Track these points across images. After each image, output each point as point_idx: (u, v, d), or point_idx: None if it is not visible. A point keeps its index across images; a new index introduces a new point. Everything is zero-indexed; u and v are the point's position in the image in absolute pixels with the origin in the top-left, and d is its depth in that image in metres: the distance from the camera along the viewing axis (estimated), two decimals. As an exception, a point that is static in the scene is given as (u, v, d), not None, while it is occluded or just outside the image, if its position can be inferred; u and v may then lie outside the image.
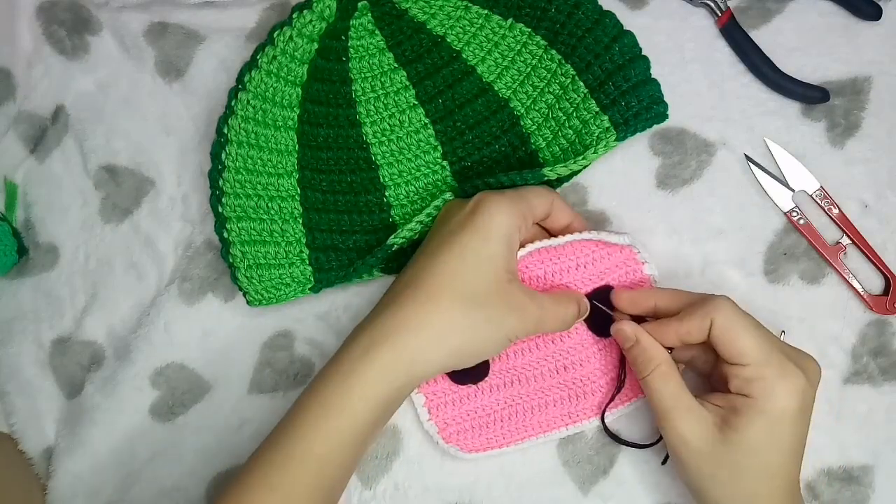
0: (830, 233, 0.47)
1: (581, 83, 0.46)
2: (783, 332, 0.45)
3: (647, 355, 0.41)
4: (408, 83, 0.48)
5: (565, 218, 0.44)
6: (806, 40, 0.48)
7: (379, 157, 0.48)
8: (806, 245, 0.47)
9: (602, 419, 0.45)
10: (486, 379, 0.45)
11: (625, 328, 0.42)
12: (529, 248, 0.44)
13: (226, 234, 0.45)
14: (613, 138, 0.44)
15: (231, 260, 0.45)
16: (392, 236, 0.44)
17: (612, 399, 0.45)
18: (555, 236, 0.44)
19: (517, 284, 0.40)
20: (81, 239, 0.51)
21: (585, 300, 0.44)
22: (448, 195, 0.44)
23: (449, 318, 0.38)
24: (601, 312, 0.44)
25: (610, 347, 0.45)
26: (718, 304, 0.39)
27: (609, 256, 0.45)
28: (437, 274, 0.39)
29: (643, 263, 0.45)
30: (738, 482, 0.38)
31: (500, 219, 0.40)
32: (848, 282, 0.46)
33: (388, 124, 0.48)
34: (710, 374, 0.43)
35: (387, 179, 0.48)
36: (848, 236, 0.46)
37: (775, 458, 0.38)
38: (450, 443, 0.45)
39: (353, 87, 0.48)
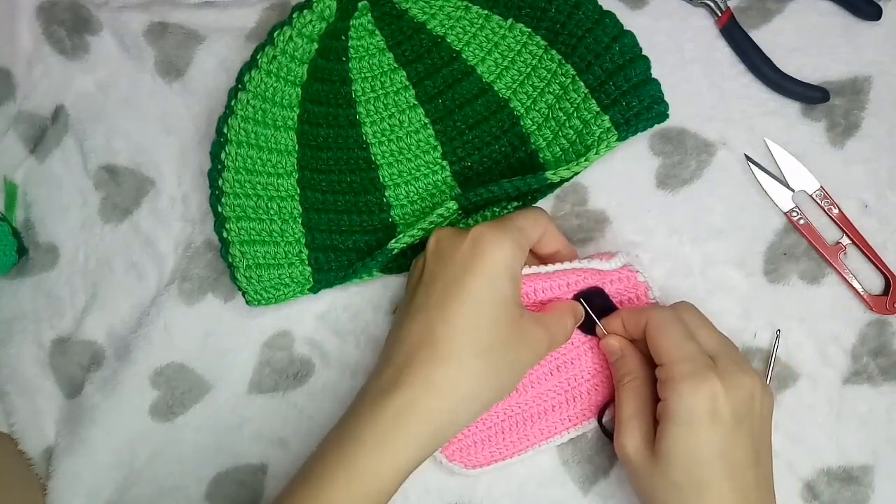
0: (830, 233, 0.47)
1: (581, 83, 0.46)
2: (778, 331, 0.45)
3: (627, 367, 0.41)
4: (408, 83, 0.48)
5: (554, 245, 0.43)
6: (806, 40, 0.48)
7: (379, 157, 0.48)
8: (806, 245, 0.47)
9: (599, 420, 0.45)
10: None
11: (612, 342, 0.43)
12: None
13: (225, 234, 0.45)
14: (615, 138, 0.44)
15: (230, 260, 0.45)
16: (393, 240, 0.44)
17: (608, 402, 0.45)
18: (543, 261, 0.44)
19: (526, 316, 0.40)
20: (81, 239, 0.51)
21: (579, 307, 0.43)
22: (451, 204, 0.43)
23: (475, 376, 0.38)
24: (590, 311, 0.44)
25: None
26: (659, 306, 0.41)
27: (600, 276, 0.44)
28: (453, 330, 0.37)
29: (637, 272, 0.44)
30: (672, 500, 0.37)
31: (502, 256, 0.38)
32: (848, 282, 0.46)
33: (388, 124, 0.48)
34: None
35: (386, 179, 0.48)
36: (848, 236, 0.46)
37: (696, 469, 0.37)
38: (453, 461, 0.45)
39: (353, 87, 0.48)
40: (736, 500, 0.37)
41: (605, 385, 0.45)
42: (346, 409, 0.40)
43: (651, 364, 0.41)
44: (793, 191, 0.47)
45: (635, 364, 0.41)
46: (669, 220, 0.47)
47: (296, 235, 0.47)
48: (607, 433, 0.45)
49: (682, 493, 0.37)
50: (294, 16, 0.45)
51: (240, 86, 0.45)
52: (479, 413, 0.39)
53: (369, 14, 0.47)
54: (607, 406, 0.45)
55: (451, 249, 0.39)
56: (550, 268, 0.43)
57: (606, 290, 0.44)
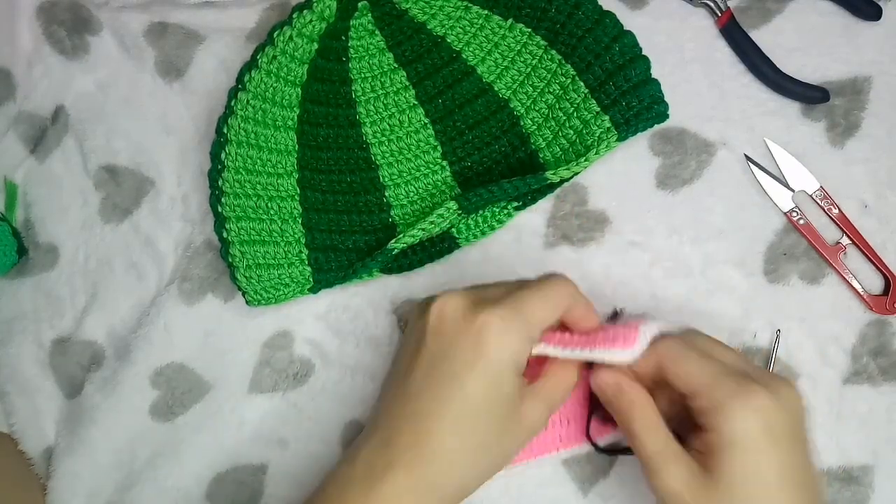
0: (830, 233, 0.47)
1: (581, 83, 0.46)
2: (778, 331, 0.45)
3: (631, 401, 0.38)
4: (408, 83, 0.48)
5: (579, 318, 0.39)
6: (806, 40, 0.48)
7: (379, 157, 0.48)
8: (806, 245, 0.47)
9: (591, 442, 0.43)
10: None
11: (605, 378, 0.39)
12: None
13: (225, 234, 0.45)
14: (615, 138, 0.44)
15: (230, 260, 0.45)
16: (393, 240, 0.44)
17: (590, 416, 0.43)
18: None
19: (527, 399, 0.37)
20: (81, 239, 0.51)
21: (578, 365, 0.40)
22: (451, 204, 0.43)
23: (466, 469, 0.36)
24: None
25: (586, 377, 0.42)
26: (664, 343, 0.37)
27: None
28: (446, 429, 0.35)
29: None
30: None
31: (508, 354, 0.36)
32: (848, 282, 0.46)
33: (388, 124, 0.48)
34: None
35: (386, 179, 0.48)
36: (848, 236, 0.46)
37: (762, 491, 0.34)
38: None
39: (353, 88, 0.48)
40: None
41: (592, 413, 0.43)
42: (336, 464, 0.39)
43: (658, 394, 0.38)
44: (793, 191, 0.47)
45: (640, 395, 0.38)
46: (669, 220, 0.47)
47: (296, 235, 0.47)
48: (607, 451, 0.44)
49: None
50: (294, 16, 0.45)
51: (240, 86, 0.45)
52: (473, 491, 0.37)
53: (369, 14, 0.47)
54: (590, 418, 0.43)
55: (453, 334, 0.36)
56: (560, 352, 0.38)
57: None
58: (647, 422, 0.37)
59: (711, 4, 0.48)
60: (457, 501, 0.37)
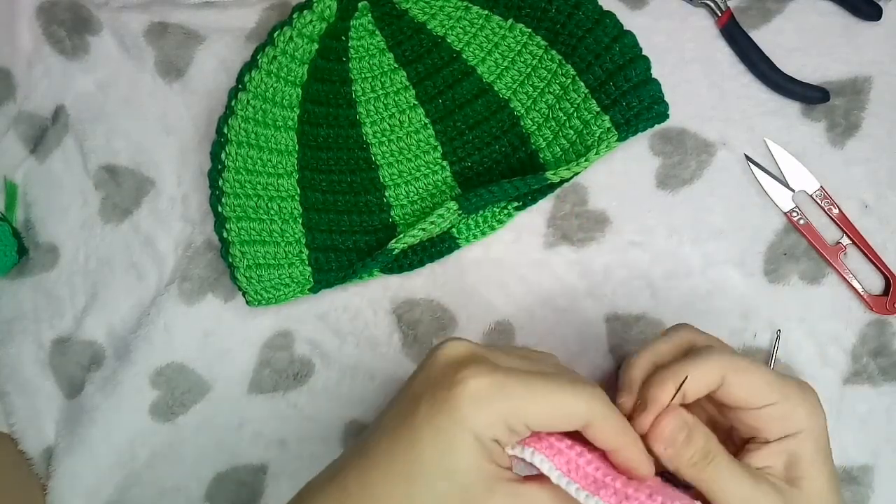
0: (830, 233, 0.47)
1: (581, 83, 0.46)
2: (779, 331, 0.45)
3: (702, 441, 0.33)
4: (408, 83, 0.48)
5: (605, 442, 0.31)
6: (806, 40, 0.48)
7: (379, 157, 0.48)
8: (806, 245, 0.47)
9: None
10: None
11: (677, 419, 0.32)
12: (517, 451, 0.31)
13: (225, 234, 0.45)
14: (615, 138, 0.44)
15: (230, 260, 0.45)
16: (393, 240, 0.44)
17: None
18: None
19: (500, 496, 0.30)
20: (81, 239, 0.51)
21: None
22: (451, 204, 0.43)
23: None
24: None
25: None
26: (724, 357, 0.33)
27: None
28: (397, 493, 0.30)
29: None
30: None
31: (478, 423, 0.29)
32: (848, 282, 0.46)
33: (388, 124, 0.48)
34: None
35: (387, 179, 0.48)
36: (848, 236, 0.46)
37: (834, 482, 0.34)
38: None
39: (354, 88, 0.48)
40: None
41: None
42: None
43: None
44: (793, 191, 0.47)
45: (708, 434, 0.33)
46: (669, 220, 0.47)
47: (296, 235, 0.47)
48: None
49: None
50: (294, 16, 0.45)
51: (240, 86, 0.45)
52: None
53: (369, 14, 0.47)
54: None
55: (433, 381, 0.31)
56: (549, 470, 0.31)
57: None
58: (723, 463, 0.33)
59: (711, 4, 0.48)
60: None
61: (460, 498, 0.30)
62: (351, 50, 0.47)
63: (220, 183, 0.45)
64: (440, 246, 0.48)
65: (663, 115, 0.45)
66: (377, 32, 0.48)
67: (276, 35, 0.45)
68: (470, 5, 0.47)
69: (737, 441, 0.36)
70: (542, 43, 0.47)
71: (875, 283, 0.46)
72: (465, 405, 0.29)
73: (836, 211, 0.46)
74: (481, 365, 0.31)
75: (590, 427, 0.31)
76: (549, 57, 0.47)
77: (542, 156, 0.47)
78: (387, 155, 0.48)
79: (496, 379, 0.30)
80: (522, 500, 0.31)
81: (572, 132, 0.46)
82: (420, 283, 0.48)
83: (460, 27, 0.47)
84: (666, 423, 0.33)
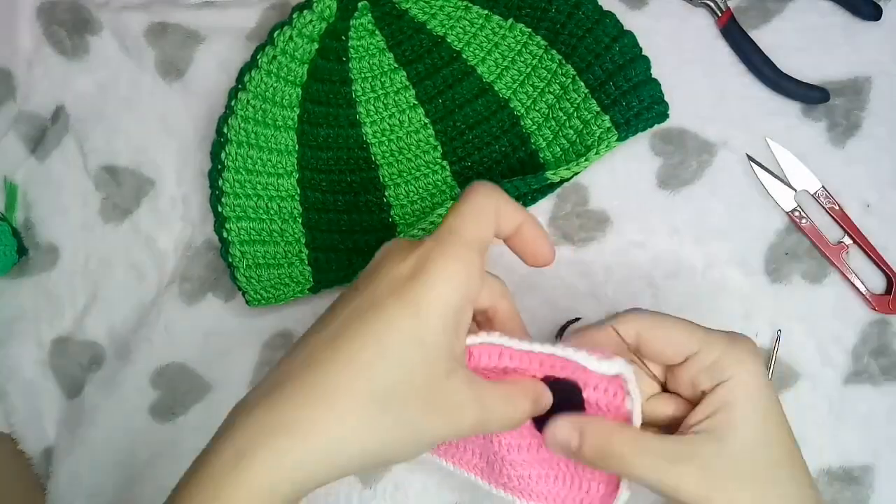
0: (832, 232, 0.47)
1: (581, 83, 0.46)
2: (779, 331, 0.45)
3: (601, 447, 0.32)
4: (408, 83, 0.48)
5: (514, 219, 0.32)
6: (806, 40, 0.48)
7: (379, 157, 0.48)
8: (808, 245, 0.47)
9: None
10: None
11: (563, 427, 0.32)
12: (481, 338, 0.32)
13: (225, 234, 0.45)
14: (615, 138, 0.44)
15: (230, 260, 0.45)
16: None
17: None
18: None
19: (458, 378, 0.30)
20: (81, 239, 0.51)
21: (546, 394, 0.33)
22: (451, 204, 0.43)
23: (349, 424, 0.28)
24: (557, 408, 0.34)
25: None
26: (636, 315, 0.34)
27: (584, 374, 0.33)
28: (342, 364, 0.29)
29: (627, 393, 0.32)
30: (777, 486, 0.32)
31: (446, 290, 0.29)
32: (850, 281, 0.46)
33: (388, 124, 0.48)
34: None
35: (386, 179, 0.48)
36: (850, 236, 0.46)
37: (785, 433, 0.33)
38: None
39: (353, 88, 0.48)
40: (806, 475, 0.33)
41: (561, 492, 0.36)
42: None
43: None
44: (795, 190, 0.47)
45: (612, 431, 0.32)
46: (671, 220, 0.47)
47: (296, 235, 0.47)
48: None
49: (775, 470, 0.32)
50: (294, 16, 0.45)
51: (240, 86, 0.45)
52: (350, 469, 0.29)
53: (369, 14, 0.47)
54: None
55: (389, 266, 0.30)
56: (526, 345, 0.32)
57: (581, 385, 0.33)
58: (631, 450, 0.32)
59: (711, 4, 0.48)
60: (312, 484, 0.29)
61: (424, 371, 0.29)
62: (351, 50, 0.47)
63: (220, 183, 0.45)
64: (440, 246, 0.48)
65: (663, 115, 0.45)
66: (377, 32, 0.48)
67: (276, 35, 0.45)
68: (470, 5, 0.47)
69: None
70: (542, 43, 0.47)
71: (877, 283, 0.46)
72: (437, 279, 0.29)
73: (838, 210, 0.46)
74: (429, 241, 0.30)
75: (501, 210, 0.31)
76: (549, 57, 0.47)
77: (542, 156, 0.47)
78: (387, 155, 0.48)
79: (448, 247, 0.30)
80: (477, 388, 0.31)
81: (572, 132, 0.46)
82: (420, 283, 0.48)
83: (460, 27, 0.47)
84: (552, 430, 0.33)
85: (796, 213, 0.46)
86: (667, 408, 0.35)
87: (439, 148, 0.48)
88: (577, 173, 0.46)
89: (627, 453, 0.32)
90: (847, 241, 0.46)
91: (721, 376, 0.33)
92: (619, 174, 0.48)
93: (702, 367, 0.33)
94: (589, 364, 0.32)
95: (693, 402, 0.34)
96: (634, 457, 0.32)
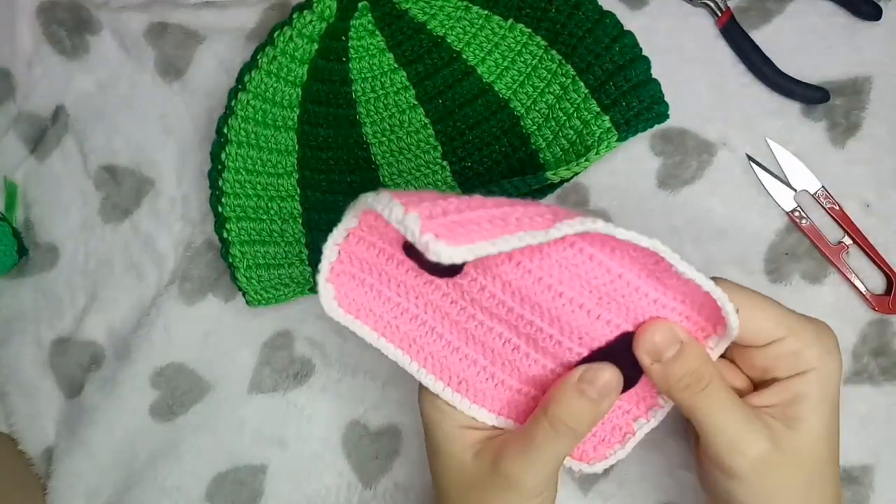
0: (832, 232, 0.47)
1: (581, 83, 0.46)
2: None
3: (696, 364, 0.31)
4: (408, 83, 0.48)
5: None
6: (806, 40, 0.48)
7: (379, 157, 0.48)
8: (808, 245, 0.47)
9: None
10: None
11: (665, 330, 0.31)
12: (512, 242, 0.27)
13: (225, 234, 0.45)
14: (615, 138, 0.44)
15: (231, 260, 0.45)
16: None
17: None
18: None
19: (498, 458, 0.32)
20: (81, 239, 0.51)
21: (604, 371, 0.31)
22: None
23: None
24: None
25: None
26: (726, 288, 0.31)
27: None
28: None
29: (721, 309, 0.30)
30: (823, 482, 0.32)
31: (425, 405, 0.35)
32: (850, 281, 0.46)
33: (388, 124, 0.48)
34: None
35: (386, 179, 0.48)
36: (850, 236, 0.46)
37: (838, 432, 0.33)
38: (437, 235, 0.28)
39: (353, 88, 0.48)
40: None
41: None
42: None
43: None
44: (795, 190, 0.47)
45: (704, 357, 0.31)
46: (670, 220, 0.47)
47: (296, 235, 0.47)
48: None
49: (825, 468, 0.32)
50: (294, 16, 0.45)
51: (240, 86, 0.45)
52: None
53: (369, 14, 0.47)
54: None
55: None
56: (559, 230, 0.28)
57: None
58: (713, 394, 0.31)
59: (711, 4, 0.48)
60: None
61: (468, 488, 0.34)
62: (351, 50, 0.47)
63: (220, 183, 0.45)
64: (440, 246, 0.48)
65: (663, 116, 0.45)
66: (377, 32, 0.48)
67: (276, 35, 0.45)
68: (470, 5, 0.47)
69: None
70: (542, 43, 0.47)
71: (877, 283, 0.46)
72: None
73: (838, 210, 0.46)
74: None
75: None
76: (549, 57, 0.47)
77: (542, 156, 0.47)
78: (387, 155, 0.48)
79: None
80: (511, 448, 0.32)
81: (572, 132, 0.46)
82: (420, 283, 0.48)
83: (460, 27, 0.47)
84: (653, 330, 0.31)
85: (796, 213, 0.46)
86: (735, 380, 0.34)
87: (439, 148, 0.48)
88: (577, 173, 0.46)
89: (718, 395, 0.31)
90: (847, 241, 0.46)
91: (801, 367, 0.32)
92: (619, 174, 0.48)
93: (783, 354, 0.32)
94: (704, 284, 0.30)
95: (754, 382, 0.34)
96: (720, 397, 0.31)
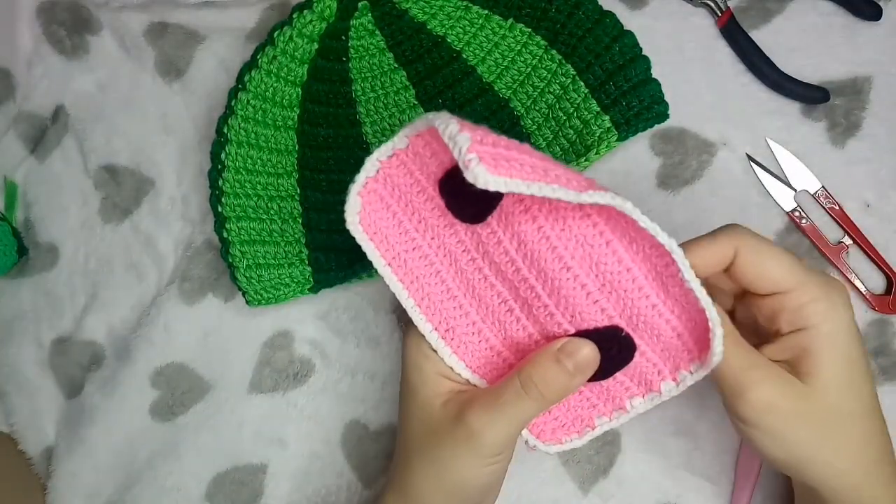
0: (832, 232, 0.47)
1: (581, 83, 0.46)
2: None
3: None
4: (408, 83, 0.48)
5: None
6: (806, 40, 0.48)
7: (379, 157, 0.48)
8: (808, 245, 0.47)
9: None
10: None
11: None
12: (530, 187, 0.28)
13: (225, 234, 0.45)
14: (615, 138, 0.44)
15: (231, 260, 0.45)
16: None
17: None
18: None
19: (471, 411, 0.33)
20: (81, 239, 0.51)
21: (586, 347, 0.33)
22: None
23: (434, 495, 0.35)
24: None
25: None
26: (739, 232, 0.33)
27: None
28: (413, 460, 0.36)
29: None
30: (841, 435, 0.32)
31: (409, 355, 0.37)
32: (850, 281, 0.46)
33: (388, 124, 0.48)
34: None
35: (387, 179, 0.48)
36: (850, 236, 0.46)
37: (866, 387, 0.33)
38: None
39: (353, 88, 0.48)
40: (879, 418, 0.33)
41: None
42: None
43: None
44: (795, 190, 0.47)
45: (719, 309, 0.31)
46: (670, 220, 0.47)
47: (296, 235, 0.47)
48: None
49: (855, 423, 0.32)
50: (294, 16, 0.45)
51: (240, 86, 0.45)
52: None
53: (369, 14, 0.47)
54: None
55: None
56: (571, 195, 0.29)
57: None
58: (731, 338, 0.32)
59: (711, 4, 0.48)
60: None
61: (436, 433, 0.35)
62: (351, 50, 0.47)
63: (220, 183, 0.45)
64: (440, 246, 0.48)
65: (663, 115, 0.45)
66: (377, 32, 0.48)
67: (276, 35, 0.45)
68: (470, 5, 0.47)
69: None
70: (542, 43, 0.47)
71: (877, 283, 0.46)
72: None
73: (838, 210, 0.46)
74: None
75: None
76: (549, 57, 0.47)
77: (542, 155, 0.47)
78: (387, 155, 0.48)
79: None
80: (486, 405, 0.33)
81: (572, 132, 0.46)
82: (420, 283, 0.48)
83: (460, 27, 0.47)
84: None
85: (796, 213, 0.46)
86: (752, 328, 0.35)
87: (439, 148, 0.48)
88: (577, 173, 0.46)
89: (728, 340, 0.31)
90: (847, 241, 0.46)
91: (802, 322, 0.32)
92: (618, 174, 0.48)
93: (790, 307, 0.32)
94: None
95: (759, 333, 0.34)
96: (726, 346, 0.31)
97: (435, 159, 0.32)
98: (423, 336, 0.35)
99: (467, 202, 0.33)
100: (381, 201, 0.34)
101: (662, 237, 0.30)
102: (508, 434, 0.33)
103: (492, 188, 0.27)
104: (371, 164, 0.33)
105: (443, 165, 0.33)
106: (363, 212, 0.34)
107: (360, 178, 0.33)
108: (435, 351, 0.35)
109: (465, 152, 0.27)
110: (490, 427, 0.33)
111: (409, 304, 0.35)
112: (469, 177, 0.27)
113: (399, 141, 0.32)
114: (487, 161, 0.27)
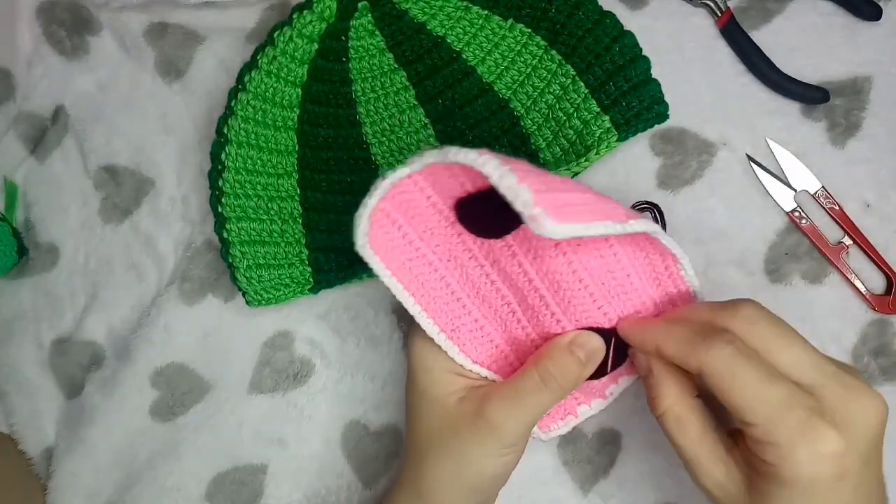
0: (832, 232, 0.47)
1: (581, 83, 0.46)
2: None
3: (660, 393, 0.33)
4: (408, 83, 0.48)
5: None
6: (806, 40, 0.48)
7: (379, 158, 0.48)
8: (808, 245, 0.47)
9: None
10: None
11: (638, 358, 0.35)
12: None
13: (225, 234, 0.45)
14: (615, 139, 0.44)
15: (231, 260, 0.45)
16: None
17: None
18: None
19: (488, 402, 0.35)
20: (81, 239, 0.51)
21: (594, 339, 0.35)
22: None
23: (451, 490, 0.37)
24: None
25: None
26: (714, 342, 0.31)
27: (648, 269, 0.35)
28: (428, 460, 0.37)
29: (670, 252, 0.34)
30: None
31: (415, 355, 0.38)
32: (850, 281, 0.46)
33: (388, 124, 0.48)
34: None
35: (387, 179, 0.48)
36: (850, 236, 0.46)
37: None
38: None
39: (353, 88, 0.48)
40: None
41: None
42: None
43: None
44: (795, 190, 0.47)
45: (669, 390, 0.33)
46: (670, 220, 0.47)
47: (296, 236, 0.47)
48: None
49: None
50: (294, 16, 0.45)
51: (240, 86, 0.45)
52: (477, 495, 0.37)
53: (369, 14, 0.47)
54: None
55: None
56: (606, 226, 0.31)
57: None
58: (674, 419, 0.33)
59: (711, 4, 0.48)
60: None
61: (450, 427, 0.36)
62: (351, 50, 0.47)
63: (220, 183, 0.45)
64: (440, 246, 0.48)
65: (663, 116, 0.45)
66: (377, 33, 0.48)
67: (276, 35, 0.45)
68: (470, 5, 0.47)
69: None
70: (542, 43, 0.47)
71: (877, 283, 0.46)
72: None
73: (838, 210, 0.46)
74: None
75: None
76: (549, 57, 0.47)
77: (542, 156, 0.47)
78: (387, 155, 0.48)
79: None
80: (503, 396, 0.35)
81: (572, 132, 0.46)
82: (420, 283, 0.48)
83: (460, 27, 0.47)
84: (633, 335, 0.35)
85: (796, 213, 0.46)
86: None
87: (439, 148, 0.48)
88: (577, 174, 0.46)
89: (686, 422, 0.34)
90: (847, 241, 0.46)
91: (772, 459, 0.29)
92: (618, 174, 0.48)
93: (756, 440, 0.30)
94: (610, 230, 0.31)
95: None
96: (689, 429, 0.33)
97: (454, 181, 0.33)
98: (428, 338, 0.36)
99: (487, 222, 0.34)
100: (388, 217, 0.35)
101: (689, 270, 0.35)
102: (527, 424, 0.35)
103: (559, 237, 0.28)
104: (384, 188, 0.33)
105: (463, 188, 0.34)
106: (371, 229, 0.34)
107: (373, 202, 0.33)
108: (444, 352, 0.37)
109: (531, 207, 0.28)
110: (512, 419, 0.35)
111: (415, 310, 0.36)
112: (535, 228, 0.28)
113: (418, 167, 0.32)
114: (553, 213, 0.28)
